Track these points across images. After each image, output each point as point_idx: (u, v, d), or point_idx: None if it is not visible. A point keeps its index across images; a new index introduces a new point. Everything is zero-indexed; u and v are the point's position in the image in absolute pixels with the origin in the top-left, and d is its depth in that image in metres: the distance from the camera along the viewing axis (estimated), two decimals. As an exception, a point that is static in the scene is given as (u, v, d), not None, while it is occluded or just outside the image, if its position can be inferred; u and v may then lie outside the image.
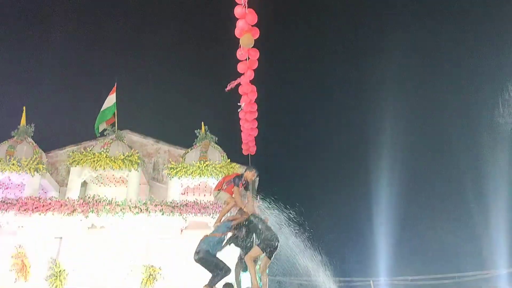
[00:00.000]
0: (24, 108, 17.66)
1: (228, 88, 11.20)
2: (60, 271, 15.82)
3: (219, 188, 8.16)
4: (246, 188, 8.13)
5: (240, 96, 12.09)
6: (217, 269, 7.16)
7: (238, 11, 8.90)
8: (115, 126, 18.17)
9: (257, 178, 18.66)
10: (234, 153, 17.76)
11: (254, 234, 7.83)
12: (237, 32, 9.34)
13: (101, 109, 17.92)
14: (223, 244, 7.55)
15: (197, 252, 7.28)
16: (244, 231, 7.74)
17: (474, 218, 24.33)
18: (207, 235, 7.58)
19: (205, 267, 7.25)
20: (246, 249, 7.77)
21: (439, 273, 18.15)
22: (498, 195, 22.79)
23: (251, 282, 7.39)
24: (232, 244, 7.79)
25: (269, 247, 7.38)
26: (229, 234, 7.70)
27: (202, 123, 18.52)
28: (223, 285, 7.47)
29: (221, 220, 7.89)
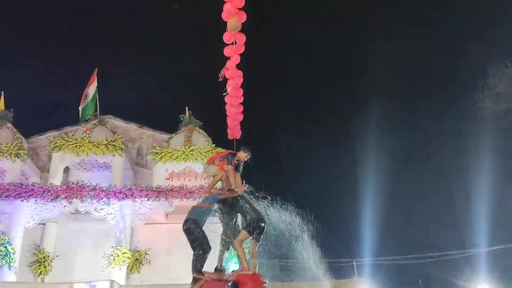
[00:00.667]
0: (2, 93, 17.25)
1: (221, 77, 11.12)
2: (44, 257, 15.74)
3: (210, 162, 8.12)
4: (236, 169, 8.07)
5: (225, 80, 12.01)
6: (199, 245, 7.10)
7: (225, -6, 8.80)
8: (97, 111, 17.90)
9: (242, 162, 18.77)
10: (219, 137, 17.73)
11: (240, 216, 7.88)
12: (224, 15, 9.23)
13: (87, 100, 17.64)
14: (208, 214, 7.57)
15: (185, 221, 7.26)
16: (229, 207, 7.79)
17: (456, 201, 24.91)
18: (195, 206, 7.58)
19: (190, 240, 7.20)
20: (227, 226, 7.82)
21: (421, 253, 18.59)
22: (478, 178, 23.32)
23: (242, 265, 7.42)
24: (216, 218, 7.84)
25: (256, 230, 7.40)
26: (216, 206, 7.73)
27: (186, 108, 18.40)
28: (214, 269, 7.50)
29: (210, 192, 7.92)
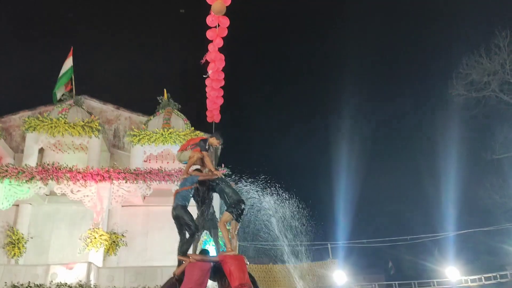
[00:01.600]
0: (-27, 70, 16.68)
1: (203, 61, 11.05)
2: (18, 238, 15.48)
3: (183, 149, 8.17)
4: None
5: (206, 63, 11.94)
6: (188, 228, 7.22)
7: (210, -24, 8.70)
8: (72, 91, 17.53)
9: (220, 146, 18.81)
10: (197, 120, 17.68)
11: (221, 198, 8.00)
12: (208, -2, 9.16)
13: (59, 75, 17.19)
14: (191, 195, 7.65)
15: (174, 208, 7.35)
16: (207, 190, 7.88)
17: (426, 186, 25.67)
18: (178, 191, 7.65)
19: (178, 225, 7.31)
20: (203, 208, 7.91)
21: (392, 237, 19.15)
22: (448, 165, 24.05)
23: (226, 246, 7.55)
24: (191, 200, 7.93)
25: (237, 210, 7.55)
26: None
27: (165, 90, 18.22)
28: (200, 251, 7.61)
29: (187, 171, 7.97)
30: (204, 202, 7.99)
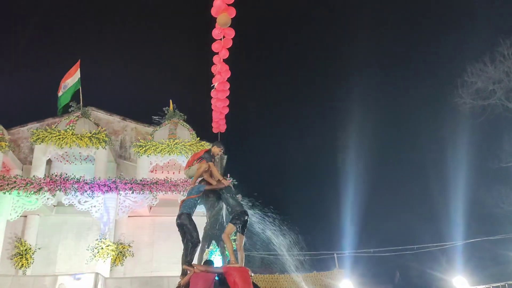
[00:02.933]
0: (-17, 83, 16.93)
1: (214, 82, 11.27)
2: (26, 249, 15.60)
3: (189, 165, 8.34)
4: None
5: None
6: (190, 238, 7.29)
7: (215, -10, 8.83)
8: (80, 103, 17.72)
9: (226, 156, 18.87)
10: (203, 129, 17.78)
11: (224, 209, 8.09)
12: (213, 11, 9.27)
13: (66, 88, 17.42)
14: (197, 204, 7.77)
15: (179, 216, 7.45)
16: (215, 199, 8.00)
17: (433, 196, 25.57)
18: (184, 199, 7.76)
19: (182, 233, 7.40)
20: (212, 218, 8.00)
21: (399, 246, 19.06)
22: (455, 173, 23.96)
23: (230, 258, 7.58)
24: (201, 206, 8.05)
25: (240, 222, 7.60)
26: (202, 199, 7.94)
27: (170, 100, 18.38)
28: (203, 262, 7.66)
29: (195, 182, 8.15)
30: (212, 212, 8.08)
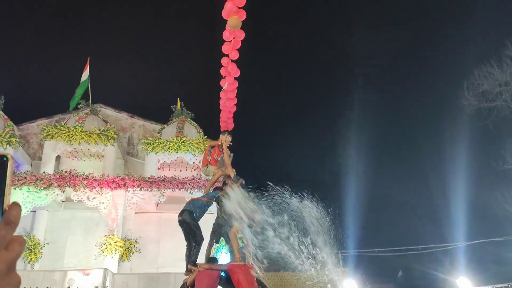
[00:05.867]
0: (-7, 79, 17.13)
1: (224, 83, 11.43)
2: (34, 244, 15.82)
3: (206, 163, 8.48)
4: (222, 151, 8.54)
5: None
6: (193, 236, 7.38)
7: (226, -8, 8.97)
8: (89, 100, 17.93)
9: (232, 154, 19.03)
10: (210, 127, 17.95)
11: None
12: (224, 14, 9.41)
13: (78, 88, 17.64)
14: (206, 208, 7.88)
15: (181, 212, 7.51)
16: (226, 196, 8.19)
17: (437, 196, 25.64)
18: (193, 198, 7.89)
19: (184, 231, 7.47)
20: (221, 213, 8.17)
21: (402, 246, 19.19)
22: (458, 174, 24.02)
23: (234, 256, 7.73)
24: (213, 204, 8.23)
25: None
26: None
27: (178, 99, 18.56)
28: (208, 259, 7.80)
29: (210, 188, 8.33)
30: (222, 209, 8.24)
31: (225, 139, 8.44)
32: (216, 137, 16.93)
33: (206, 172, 8.42)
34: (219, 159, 8.51)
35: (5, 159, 0.90)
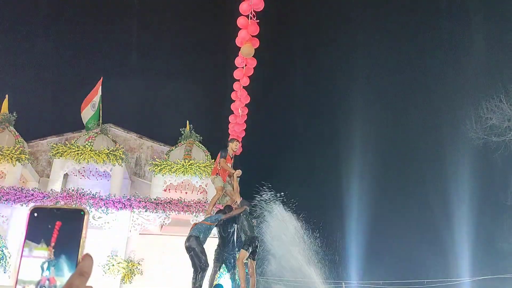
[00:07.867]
0: (7, 96, 17.43)
1: (234, 107, 11.66)
2: (37, 262, 15.76)
3: (216, 172, 8.65)
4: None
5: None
6: (199, 262, 7.39)
7: (241, 21, 9.16)
8: (99, 120, 18.13)
9: (240, 177, 19.06)
10: (217, 151, 17.97)
11: (239, 232, 8.25)
12: (238, 41, 9.60)
13: (94, 109, 17.90)
14: (210, 231, 7.91)
15: (188, 238, 7.54)
16: (229, 220, 8.19)
17: (441, 230, 25.39)
18: (196, 223, 7.94)
19: (190, 257, 7.48)
20: (223, 239, 8.15)
21: (409, 279, 18.89)
22: (466, 208, 23.83)
23: (240, 285, 7.70)
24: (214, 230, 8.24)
25: (251, 247, 7.73)
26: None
27: (187, 121, 18.71)
28: (213, 287, 7.78)
29: (212, 209, 8.43)
30: (225, 234, 8.21)
31: (235, 147, 8.79)
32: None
33: (215, 181, 8.66)
34: (228, 180, 8.72)
35: (82, 213, 0.96)
